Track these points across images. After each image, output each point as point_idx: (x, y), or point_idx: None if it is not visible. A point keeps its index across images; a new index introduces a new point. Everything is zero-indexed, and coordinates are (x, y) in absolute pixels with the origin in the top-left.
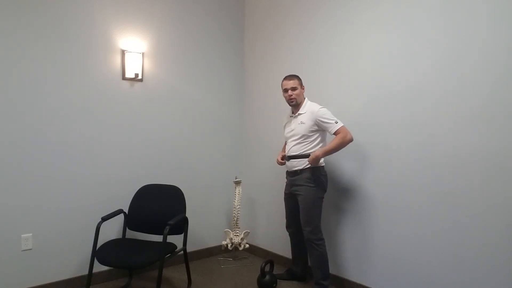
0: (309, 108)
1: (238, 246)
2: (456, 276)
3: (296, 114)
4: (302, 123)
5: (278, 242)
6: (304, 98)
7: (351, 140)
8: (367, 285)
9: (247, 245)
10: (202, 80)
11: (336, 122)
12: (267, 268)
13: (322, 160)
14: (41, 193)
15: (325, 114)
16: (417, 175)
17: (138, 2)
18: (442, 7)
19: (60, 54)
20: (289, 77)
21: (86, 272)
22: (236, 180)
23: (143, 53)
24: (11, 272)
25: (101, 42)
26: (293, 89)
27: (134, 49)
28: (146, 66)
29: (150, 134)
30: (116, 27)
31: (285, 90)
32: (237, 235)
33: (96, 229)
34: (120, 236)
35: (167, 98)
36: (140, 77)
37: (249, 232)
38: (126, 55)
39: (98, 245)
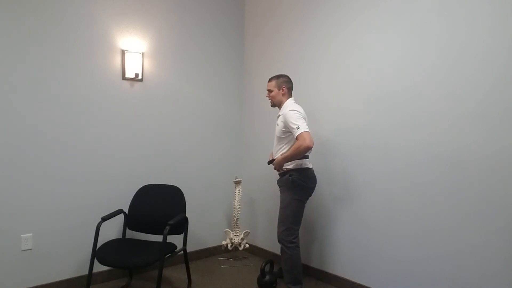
0: (284, 110)
1: (238, 246)
2: (456, 276)
3: (277, 115)
4: (277, 125)
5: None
6: (287, 99)
7: (307, 148)
8: (367, 285)
9: (247, 245)
10: (202, 80)
11: (298, 128)
12: (267, 268)
13: (309, 163)
14: (41, 193)
15: (291, 117)
16: (417, 174)
17: (138, 2)
18: (442, 7)
19: (60, 54)
20: (269, 79)
21: (86, 272)
22: (236, 180)
23: (143, 53)
24: (11, 272)
25: (101, 42)
26: (269, 91)
27: (134, 49)
28: (146, 66)
29: (150, 134)
30: (116, 27)
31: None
32: (237, 235)
33: (96, 229)
34: (120, 236)
35: (167, 98)
36: (140, 77)
37: (249, 232)
38: (126, 55)
39: (98, 245)
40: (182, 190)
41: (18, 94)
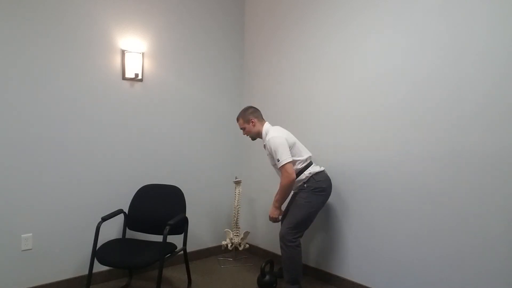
0: (266, 138)
1: (238, 246)
2: (457, 277)
3: (263, 145)
4: (267, 154)
5: (278, 242)
6: (262, 126)
7: (292, 182)
8: (367, 285)
9: (247, 245)
10: (202, 80)
11: (278, 160)
12: (267, 268)
13: (317, 168)
14: (41, 193)
15: (272, 147)
16: (418, 175)
17: (138, 2)
18: (442, 7)
19: (60, 54)
20: (237, 119)
21: (86, 272)
22: (236, 180)
23: (143, 53)
24: (11, 272)
25: (101, 42)
26: (242, 129)
27: (134, 49)
28: (146, 66)
29: (150, 134)
30: (116, 27)
31: None
32: (237, 235)
33: (96, 229)
34: (120, 236)
35: (167, 98)
36: (140, 77)
37: (249, 232)
38: (126, 55)
39: (98, 245)
40: (182, 190)
41: (18, 95)
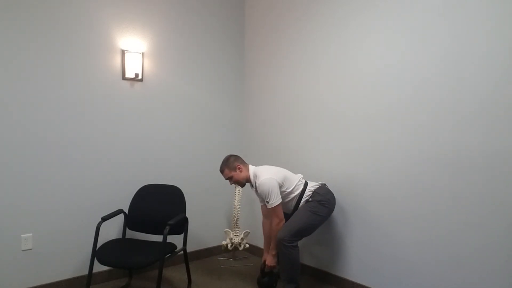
0: (256, 183)
1: (238, 246)
2: (457, 277)
3: (254, 189)
4: (262, 201)
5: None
6: (248, 170)
7: (281, 224)
8: (368, 285)
9: (247, 245)
10: (202, 80)
11: (268, 202)
12: (266, 268)
13: (315, 183)
14: (41, 193)
15: (264, 190)
16: (419, 176)
17: (138, 2)
18: (443, 7)
19: (59, 54)
20: (221, 171)
21: (86, 272)
22: None
23: (143, 53)
24: (11, 272)
25: (101, 42)
26: (229, 178)
27: (134, 49)
28: (146, 66)
29: (150, 134)
30: (116, 27)
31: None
32: (237, 235)
33: (96, 229)
34: (120, 236)
35: (167, 98)
36: (140, 77)
37: (249, 232)
38: (126, 55)
39: (98, 245)
40: (182, 190)
41: (17, 95)
